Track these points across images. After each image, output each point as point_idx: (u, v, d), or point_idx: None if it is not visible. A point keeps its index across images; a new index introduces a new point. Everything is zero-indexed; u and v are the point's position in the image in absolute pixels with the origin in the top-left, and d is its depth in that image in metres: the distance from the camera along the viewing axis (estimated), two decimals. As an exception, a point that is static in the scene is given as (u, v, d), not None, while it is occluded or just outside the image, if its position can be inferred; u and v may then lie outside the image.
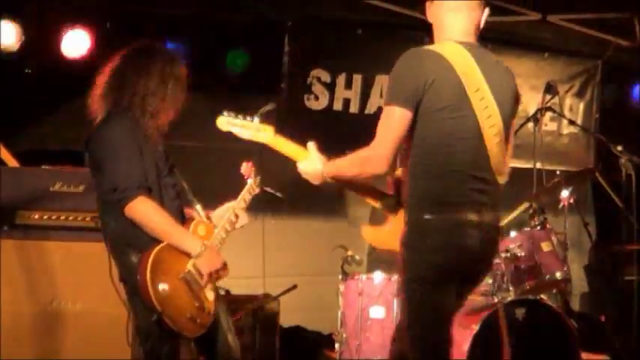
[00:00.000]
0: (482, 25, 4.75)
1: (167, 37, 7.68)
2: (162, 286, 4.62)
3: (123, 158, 4.68)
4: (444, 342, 4.54)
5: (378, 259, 7.33)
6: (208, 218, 5.08)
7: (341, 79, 8.72)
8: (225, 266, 4.93)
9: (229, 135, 4.92)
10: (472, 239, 4.33)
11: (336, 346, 6.97)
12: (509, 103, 4.58)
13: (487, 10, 4.64)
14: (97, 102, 4.89)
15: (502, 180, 4.54)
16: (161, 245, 4.67)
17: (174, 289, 4.66)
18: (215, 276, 4.87)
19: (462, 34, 4.64)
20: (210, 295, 4.85)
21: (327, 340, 7.64)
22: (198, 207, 5.06)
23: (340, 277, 7.07)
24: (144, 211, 4.65)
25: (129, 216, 4.64)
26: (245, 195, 5.36)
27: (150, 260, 4.60)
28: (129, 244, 4.73)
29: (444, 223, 4.29)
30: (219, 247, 4.98)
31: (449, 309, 4.52)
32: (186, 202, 5.08)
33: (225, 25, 8.04)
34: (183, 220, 4.92)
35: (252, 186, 5.40)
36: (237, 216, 5.20)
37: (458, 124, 4.34)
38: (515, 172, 8.93)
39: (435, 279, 4.34)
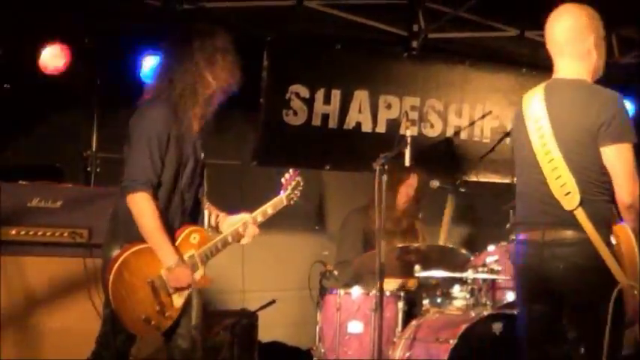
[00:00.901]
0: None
1: (146, 52, 7.69)
2: (123, 284, 4.81)
3: (144, 151, 4.82)
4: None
5: (356, 274, 7.35)
6: (217, 224, 5.22)
7: (320, 95, 8.71)
8: (198, 280, 4.97)
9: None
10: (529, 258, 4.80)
11: (314, 360, 6.98)
12: (575, 131, 4.74)
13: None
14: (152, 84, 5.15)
15: (565, 203, 4.65)
16: (143, 245, 4.82)
17: (136, 290, 4.83)
18: (182, 289, 4.93)
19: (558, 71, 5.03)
20: (177, 301, 4.92)
21: (306, 356, 7.63)
22: (206, 212, 5.15)
23: (319, 292, 7.08)
24: (139, 206, 4.78)
25: (128, 205, 4.81)
26: (267, 208, 5.35)
27: (122, 257, 4.81)
28: (115, 236, 4.93)
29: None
30: (207, 259, 5.02)
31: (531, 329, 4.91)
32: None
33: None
34: (183, 223, 4.99)
35: (280, 199, 5.40)
36: (245, 228, 5.18)
37: (519, 155, 4.97)
38: (494, 186, 9.08)
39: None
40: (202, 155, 5.10)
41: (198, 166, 5.06)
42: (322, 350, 6.95)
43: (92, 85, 7.71)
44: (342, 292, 6.97)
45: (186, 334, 5.01)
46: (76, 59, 7.47)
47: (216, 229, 5.23)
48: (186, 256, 4.95)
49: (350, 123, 8.96)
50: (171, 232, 4.90)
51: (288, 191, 5.43)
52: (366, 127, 9.03)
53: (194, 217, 5.09)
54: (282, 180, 5.45)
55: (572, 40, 4.94)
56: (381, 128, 9.08)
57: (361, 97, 9.01)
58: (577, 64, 4.94)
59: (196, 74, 4.91)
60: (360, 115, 9.02)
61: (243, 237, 5.20)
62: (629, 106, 9.50)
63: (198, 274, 4.99)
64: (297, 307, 7.39)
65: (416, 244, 7.29)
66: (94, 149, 7.78)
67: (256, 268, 8.11)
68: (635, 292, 4.62)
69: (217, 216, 5.30)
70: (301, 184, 5.52)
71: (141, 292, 4.83)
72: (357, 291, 6.92)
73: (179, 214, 4.98)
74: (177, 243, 4.93)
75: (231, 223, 5.21)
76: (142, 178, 4.80)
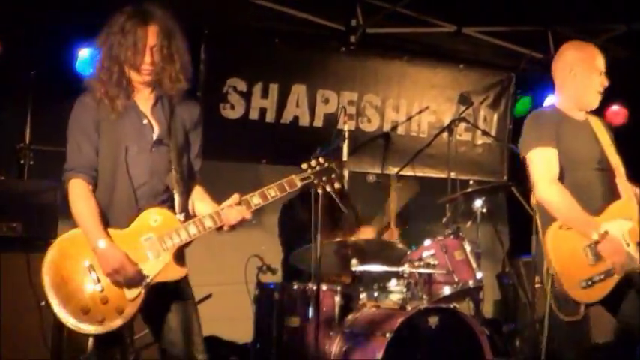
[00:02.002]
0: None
1: (81, 44, 7.63)
2: (60, 271, 4.47)
3: (72, 140, 4.66)
4: None
5: (293, 268, 7.35)
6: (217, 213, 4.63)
7: (257, 89, 8.71)
8: (162, 270, 4.51)
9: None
10: None
11: (251, 355, 6.97)
12: None
13: None
14: None
15: None
16: (78, 231, 4.56)
17: (73, 277, 4.47)
18: (120, 278, 4.43)
19: None
20: (130, 292, 4.47)
21: (242, 350, 7.64)
22: (176, 196, 4.64)
23: (255, 286, 7.08)
24: (70, 193, 4.59)
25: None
26: (269, 190, 4.75)
27: (55, 244, 4.58)
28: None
29: None
30: (171, 244, 4.53)
31: None
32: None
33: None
34: (147, 205, 4.59)
35: (292, 180, 4.80)
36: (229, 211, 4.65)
37: None
38: (429, 181, 9.13)
39: None
40: (166, 140, 4.70)
41: (153, 150, 4.66)
42: (259, 345, 6.95)
43: (26, 77, 7.62)
44: (279, 286, 6.97)
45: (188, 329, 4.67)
46: (9, 51, 7.39)
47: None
48: (143, 238, 4.53)
49: (287, 117, 8.97)
50: (122, 218, 4.56)
51: (306, 175, 4.84)
52: (304, 122, 9.05)
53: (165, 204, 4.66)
54: (304, 165, 4.88)
55: None
56: (319, 123, 9.11)
57: (299, 91, 9.02)
58: None
59: (108, 58, 4.62)
60: (297, 109, 9.03)
61: (228, 222, 4.66)
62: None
63: (160, 261, 4.52)
64: (234, 301, 7.35)
65: (353, 239, 7.31)
66: (27, 142, 7.69)
67: (192, 263, 8.04)
68: None
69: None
70: (335, 171, 4.93)
71: (77, 278, 4.46)
72: (293, 285, 6.93)
73: (130, 199, 4.58)
74: (132, 225, 4.55)
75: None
76: (71, 165, 4.61)
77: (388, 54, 9.49)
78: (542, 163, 5.26)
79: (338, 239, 7.11)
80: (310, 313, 6.66)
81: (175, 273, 4.59)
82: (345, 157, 7.14)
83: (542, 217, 5.27)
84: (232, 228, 4.71)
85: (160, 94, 4.75)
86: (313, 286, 6.41)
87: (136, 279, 4.47)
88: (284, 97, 8.93)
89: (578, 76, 5.37)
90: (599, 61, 5.42)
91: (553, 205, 5.20)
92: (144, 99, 4.74)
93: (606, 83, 5.39)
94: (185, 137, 4.82)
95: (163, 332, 4.64)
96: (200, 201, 4.86)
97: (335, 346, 6.52)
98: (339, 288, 6.94)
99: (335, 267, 7.10)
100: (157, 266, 4.54)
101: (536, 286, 7.72)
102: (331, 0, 8.60)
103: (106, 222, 4.56)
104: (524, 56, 9.80)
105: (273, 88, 8.85)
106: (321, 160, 4.90)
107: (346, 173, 7.80)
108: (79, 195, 4.55)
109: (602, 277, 5.09)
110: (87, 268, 4.48)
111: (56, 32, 7.53)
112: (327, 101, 9.18)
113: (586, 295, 5.12)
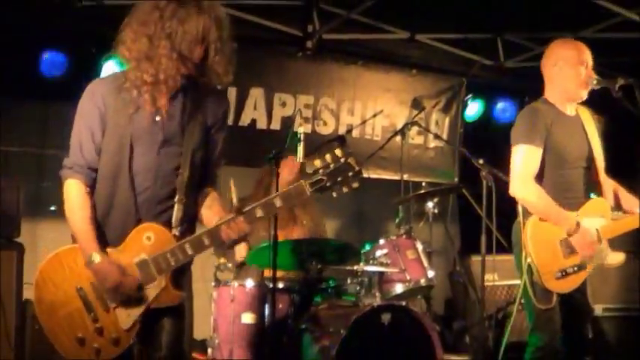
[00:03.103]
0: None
1: (47, 47, 7.61)
2: (48, 296, 4.08)
3: (75, 135, 4.17)
4: None
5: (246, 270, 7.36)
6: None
7: (216, 92, 8.70)
8: (158, 295, 4.03)
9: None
10: None
11: (209, 350, 6.97)
12: None
13: None
14: None
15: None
16: (72, 245, 4.13)
17: (64, 302, 4.07)
18: (120, 296, 3.99)
19: None
20: (125, 320, 4.02)
21: (200, 345, 7.62)
22: (176, 205, 4.10)
23: (213, 284, 7.08)
24: (65, 197, 4.14)
25: None
26: (275, 200, 4.13)
27: (44, 262, 4.13)
28: None
29: None
30: (166, 267, 4.00)
31: None
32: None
33: (102, 37, 7.94)
34: (146, 214, 4.09)
35: (300, 187, 4.12)
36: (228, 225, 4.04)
37: None
38: (383, 183, 9.18)
39: None
40: (178, 139, 4.15)
41: (161, 151, 4.11)
42: (217, 341, 6.94)
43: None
44: (235, 284, 6.98)
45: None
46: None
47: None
48: (136, 260, 4.02)
49: (245, 120, 8.98)
50: (123, 226, 4.08)
51: (318, 178, 4.07)
52: (261, 124, 9.07)
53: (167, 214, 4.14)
54: (317, 162, 4.06)
55: None
56: (276, 125, 9.12)
57: (257, 94, 9.04)
58: None
59: (158, 45, 4.01)
60: (255, 112, 9.05)
61: (228, 237, 4.03)
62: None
63: (156, 287, 4.02)
64: (194, 299, 7.35)
65: (308, 237, 7.33)
66: (-6, 143, 7.68)
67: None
68: None
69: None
70: (353, 168, 4.09)
71: (69, 305, 4.05)
72: (250, 283, 6.94)
73: (129, 206, 4.08)
74: (124, 243, 4.06)
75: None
76: (70, 163, 4.14)
77: (343, 59, 9.53)
78: (523, 161, 5.35)
79: (293, 238, 7.13)
80: (266, 311, 6.67)
81: (172, 298, 4.08)
82: (300, 159, 7.16)
83: (523, 208, 5.39)
84: (235, 243, 4.14)
85: (185, 85, 4.17)
86: (269, 285, 6.43)
87: (136, 296, 4.01)
88: (242, 100, 8.94)
89: (564, 69, 5.43)
90: (586, 55, 5.47)
91: (527, 202, 5.33)
92: (171, 84, 4.12)
93: (594, 76, 5.43)
94: (204, 135, 4.25)
95: (152, 346, 4.14)
96: (208, 208, 4.28)
97: (290, 343, 6.54)
98: (294, 286, 6.96)
99: (291, 265, 7.11)
100: (152, 292, 4.04)
101: (486, 284, 7.83)
102: (289, 6, 8.61)
103: (103, 229, 4.10)
104: (475, 62, 9.87)
105: (232, 91, 8.84)
106: (337, 152, 4.04)
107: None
108: (75, 200, 4.08)
109: (575, 269, 5.24)
110: (79, 295, 4.06)
111: (23, 36, 7.49)
112: (284, 104, 9.20)
113: (559, 286, 5.25)
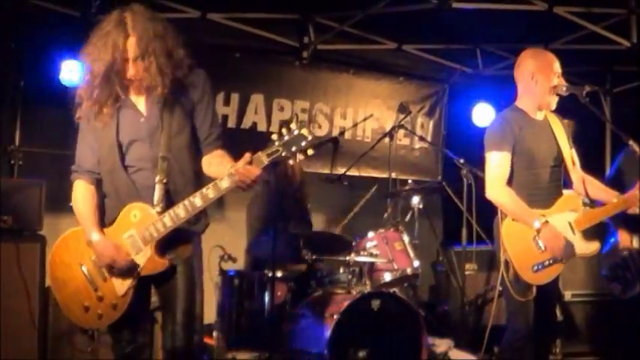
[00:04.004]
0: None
1: (66, 57, 7.61)
2: (58, 273, 4.41)
3: (77, 145, 4.53)
4: None
5: (251, 258, 7.39)
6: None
7: (220, 97, 8.72)
8: (146, 264, 4.25)
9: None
10: None
11: (214, 334, 6.99)
12: None
13: None
14: None
15: None
16: (75, 229, 4.45)
17: (71, 277, 4.38)
18: (115, 270, 4.25)
19: None
20: (120, 288, 4.29)
21: (207, 329, 7.65)
22: (157, 186, 4.28)
23: (218, 273, 7.10)
24: (74, 196, 4.47)
25: None
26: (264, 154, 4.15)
27: (54, 246, 4.49)
28: None
29: None
30: (152, 238, 4.22)
31: None
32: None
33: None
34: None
35: (258, 157, 4.18)
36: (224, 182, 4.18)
37: None
38: (373, 180, 9.20)
39: None
40: (159, 129, 4.33)
41: (147, 142, 4.32)
42: (221, 325, 6.97)
43: (17, 85, 7.62)
44: (238, 273, 7.01)
45: (168, 333, 4.36)
46: (3, 62, 7.37)
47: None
48: (125, 236, 4.29)
49: (247, 123, 9.00)
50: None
51: (273, 149, 4.16)
52: (261, 127, 9.09)
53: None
54: (274, 136, 4.20)
55: None
56: (275, 128, 9.13)
57: (257, 100, 9.06)
58: None
59: (93, 70, 4.28)
60: (256, 116, 9.07)
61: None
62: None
63: (142, 256, 4.26)
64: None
65: (305, 231, 7.36)
66: (17, 144, 7.70)
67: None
68: None
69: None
70: (305, 137, 4.16)
71: (75, 279, 4.35)
72: (252, 272, 6.96)
73: (132, 192, 4.32)
74: (115, 223, 4.33)
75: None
76: (75, 167, 4.50)
77: (337, 67, 9.55)
78: (495, 166, 5.38)
79: (291, 231, 7.15)
80: (266, 298, 6.70)
81: (157, 266, 4.27)
82: (296, 159, 7.18)
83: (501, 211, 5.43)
84: (250, 186, 4.22)
85: (152, 84, 4.30)
86: (269, 274, 6.46)
87: (128, 267, 4.26)
88: (244, 105, 8.96)
89: (540, 82, 5.42)
90: (556, 65, 5.46)
91: (500, 204, 5.37)
92: (137, 91, 4.38)
93: (563, 84, 5.43)
94: (184, 118, 4.39)
95: (164, 305, 4.44)
96: (217, 165, 4.38)
97: (288, 327, 6.58)
98: (292, 275, 6.99)
99: (289, 256, 7.13)
100: (140, 261, 4.27)
101: (466, 273, 7.87)
102: (286, 20, 8.64)
103: (115, 217, 4.35)
104: (456, 70, 9.91)
105: (234, 97, 8.88)
106: (291, 125, 4.15)
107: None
108: (78, 195, 4.43)
109: (550, 262, 5.25)
110: (82, 271, 4.37)
111: (44, 46, 7.51)
112: (282, 109, 9.22)
113: (537, 278, 5.26)
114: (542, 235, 5.22)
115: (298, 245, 6.96)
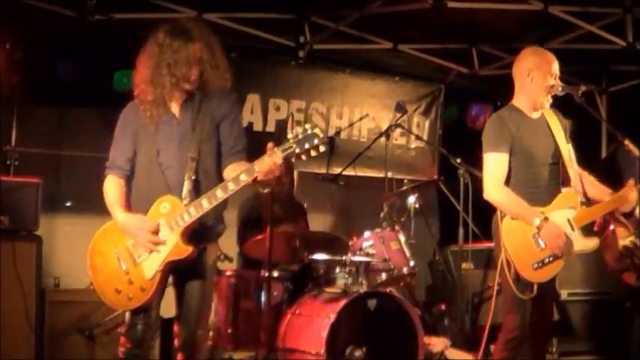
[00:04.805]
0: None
1: (62, 57, 7.63)
2: (98, 257, 4.78)
3: (113, 142, 4.90)
4: None
5: (247, 258, 7.38)
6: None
7: (216, 97, 8.75)
8: (172, 250, 4.59)
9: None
10: None
11: (210, 333, 6.99)
12: None
13: None
14: None
15: None
16: (108, 223, 4.82)
17: (108, 263, 4.74)
18: (142, 243, 4.62)
19: None
20: (148, 271, 4.64)
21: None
22: (186, 183, 4.65)
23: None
24: (105, 187, 4.84)
25: None
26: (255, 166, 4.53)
27: (93, 239, 4.82)
28: None
29: None
30: (178, 226, 4.57)
31: None
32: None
33: (113, 48, 7.95)
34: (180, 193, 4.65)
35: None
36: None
37: None
38: (369, 180, 9.21)
39: None
40: (191, 134, 4.74)
41: (180, 145, 4.73)
42: (217, 325, 6.98)
43: (13, 85, 7.61)
44: (234, 273, 7.01)
45: (183, 325, 4.83)
46: (-1, 62, 7.41)
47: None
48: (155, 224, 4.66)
49: (243, 123, 8.99)
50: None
51: (290, 144, 4.48)
52: (257, 127, 9.09)
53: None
54: (289, 135, 4.51)
55: None
56: (271, 128, 9.15)
57: (253, 100, 9.06)
58: None
59: (159, 73, 4.70)
60: (252, 115, 9.07)
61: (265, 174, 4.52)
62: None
63: (169, 243, 4.61)
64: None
65: (301, 230, 7.36)
66: (13, 144, 7.69)
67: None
68: None
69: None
70: (317, 136, 4.45)
71: (110, 266, 4.72)
72: (247, 272, 6.97)
73: (164, 188, 4.68)
74: (149, 212, 4.68)
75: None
76: (109, 163, 4.87)
77: (333, 67, 9.55)
78: (493, 167, 5.39)
79: (287, 230, 7.15)
80: (263, 298, 6.70)
81: (183, 251, 4.62)
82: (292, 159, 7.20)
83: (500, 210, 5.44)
84: (270, 178, 4.60)
85: (192, 91, 4.80)
86: (265, 274, 6.46)
87: (154, 238, 4.62)
88: (240, 104, 8.96)
89: (535, 80, 5.43)
90: (555, 66, 5.47)
91: (499, 204, 5.38)
92: (175, 98, 4.81)
93: (559, 83, 5.43)
94: (213, 128, 4.82)
95: (181, 304, 4.83)
96: (238, 169, 4.68)
97: (284, 327, 6.58)
98: (288, 275, 6.99)
99: (285, 256, 7.14)
100: (168, 247, 4.63)
101: (463, 272, 7.87)
102: (282, 20, 8.63)
103: (147, 206, 4.71)
104: (452, 70, 9.91)
105: (230, 97, 8.89)
106: (307, 126, 4.47)
107: (295, 173, 7.90)
108: (109, 187, 4.81)
109: (551, 259, 5.26)
110: (116, 258, 4.72)
111: (40, 47, 7.52)
112: (278, 109, 9.22)
113: (538, 276, 5.28)
114: (542, 232, 5.24)
115: (295, 244, 6.98)
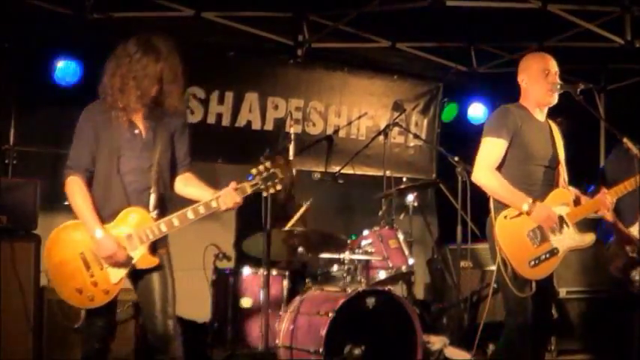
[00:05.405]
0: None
1: (59, 56, 7.63)
2: (57, 256, 4.82)
3: (74, 143, 4.94)
4: None
5: (246, 256, 7.38)
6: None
7: (214, 96, 8.76)
8: (139, 259, 4.82)
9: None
10: None
11: (209, 332, 7.00)
12: None
13: None
14: None
15: None
16: (76, 221, 4.87)
17: (68, 262, 4.81)
18: (113, 261, 4.77)
19: None
20: (114, 276, 4.82)
21: (202, 328, 7.66)
22: (152, 195, 4.89)
23: (212, 271, 7.11)
24: (67, 188, 4.90)
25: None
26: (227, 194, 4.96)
27: (54, 232, 4.89)
28: None
29: None
30: (147, 239, 4.82)
31: None
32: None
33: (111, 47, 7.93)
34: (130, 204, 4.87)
35: (243, 187, 5.03)
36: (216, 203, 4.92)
37: None
38: (367, 178, 9.21)
39: None
40: (151, 144, 4.95)
41: (141, 154, 4.94)
42: (216, 324, 6.98)
43: (10, 84, 7.61)
44: (233, 271, 7.01)
45: (148, 318, 4.92)
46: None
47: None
48: (123, 234, 4.83)
49: (241, 121, 9.03)
50: (118, 209, 4.87)
51: (254, 182, 5.04)
52: (256, 125, 9.11)
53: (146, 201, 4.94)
54: (254, 170, 5.08)
55: None
56: (269, 126, 9.17)
57: (251, 98, 9.08)
58: None
59: (122, 81, 4.87)
60: (250, 114, 9.09)
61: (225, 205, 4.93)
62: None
63: (138, 253, 4.84)
64: (194, 285, 7.36)
65: (300, 228, 7.36)
66: (11, 143, 7.70)
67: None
68: None
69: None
70: (277, 176, 5.12)
71: (72, 264, 4.80)
72: (246, 270, 6.97)
73: (122, 196, 4.88)
74: (114, 222, 4.85)
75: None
76: (70, 164, 4.90)
77: (331, 66, 9.58)
78: (488, 151, 5.44)
79: (285, 229, 7.15)
80: (261, 296, 6.70)
81: (149, 262, 4.87)
82: (291, 157, 7.21)
83: (494, 207, 5.44)
84: (230, 209, 5.02)
85: (152, 108, 4.97)
86: (264, 272, 6.46)
87: (125, 261, 4.82)
88: (238, 103, 8.99)
89: (539, 83, 5.48)
90: (551, 65, 5.52)
91: (487, 186, 5.43)
92: (137, 110, 4.95)
93: (558, 82, 5.48)
94: (169, 141, 5.06)
95: (144, 293, 4.94)
96: (195, 187, 5.14)
97: (283, 325, 6.58)
98: (286, 273, 6.99)
99: (283, 254, 7.14)
100: (135, 257, 4.85)
101: (461, 270, 7.88)
102: (281, 18, 8.62)
103: (103, 215, 4.86)
104: (450, 68, 9.91)
105: (229, 95, 8.91)
106: (267, 165, 5.09)
107: (294, 171, 7.91)
108: (76, 190, 4.86)
109: (547, 255, 5.30)
110: (80, 257, 4.83)
111: (37, 46, 7.52)
112: (276, 107, 9.24)
113: (534, 273, 5.31)
114: (533, 215, 5.28)
115: (293, 243, 6.98)
